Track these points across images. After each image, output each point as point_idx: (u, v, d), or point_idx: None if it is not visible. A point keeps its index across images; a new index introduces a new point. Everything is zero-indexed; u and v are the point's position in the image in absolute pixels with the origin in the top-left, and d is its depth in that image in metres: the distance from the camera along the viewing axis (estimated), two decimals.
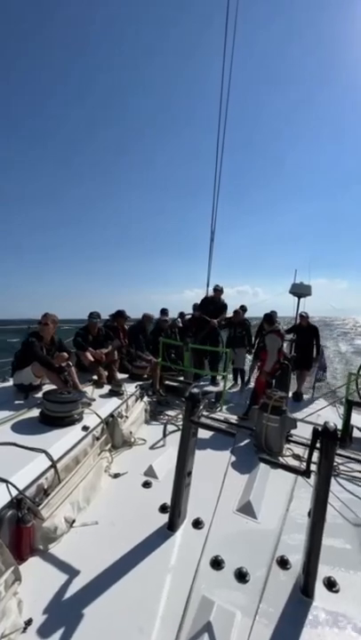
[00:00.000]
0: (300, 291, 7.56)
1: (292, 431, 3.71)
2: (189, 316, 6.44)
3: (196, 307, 6.25)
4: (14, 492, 1.84)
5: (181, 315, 6.89)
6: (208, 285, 6.02)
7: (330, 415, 4.79)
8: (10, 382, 3.60)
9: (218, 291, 5.70)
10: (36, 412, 2.87)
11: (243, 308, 6.28)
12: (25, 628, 1.48)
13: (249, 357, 6.38)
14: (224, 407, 4.77)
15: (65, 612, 1.58)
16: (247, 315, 6.42)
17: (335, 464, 3.14)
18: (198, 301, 6.03)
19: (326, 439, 1.67)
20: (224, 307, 5.78)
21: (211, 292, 5.89)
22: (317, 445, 1.70)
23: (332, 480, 2.87)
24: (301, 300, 7.82)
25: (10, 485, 1.85)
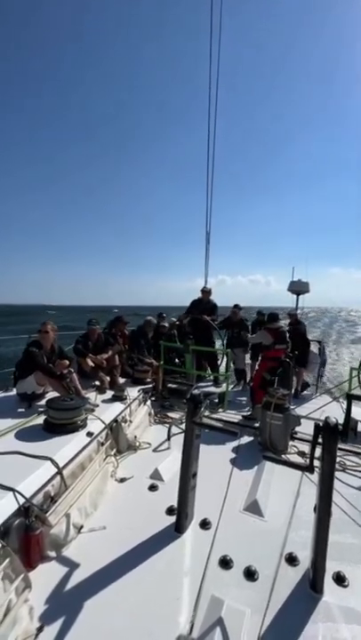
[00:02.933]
0: (298, 288, 7.61)
1: (298, 428, 3.72)
2: (176, 321, 6.44)
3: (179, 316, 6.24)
4: (22, 501, 1.86)
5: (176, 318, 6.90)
6: (206, 282, 6.06)
7: (334, 411, 4.80)
8: (13, 392, 3.62)
9: (206, 292, 5.65)
10: (39, 420, 2.89)
11: (238, 307, 6.24)
12: (37, 635, 1.49)
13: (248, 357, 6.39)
14: (227, 407, 4.78)
15: (75, 617, 1.59)
16: (261, 305, 6.41)
17: (340, 459, 3.14)
18: (215, 293, 5.96)
19: (328, 434, 1.68)
20: (214, 307, 5.69)
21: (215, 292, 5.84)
22: (320, 441, 1.72)
23: (339, 475, 2.89)
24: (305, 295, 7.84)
25: (17, 494, 1.86)
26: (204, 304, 5.58)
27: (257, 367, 5.04)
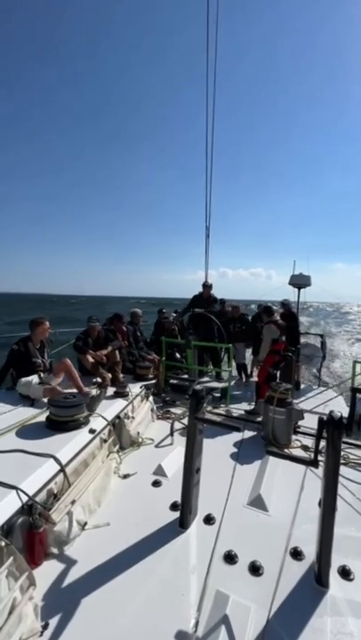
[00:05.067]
0: (299, 282, 7.55)
1: (301, 422, 3.71)
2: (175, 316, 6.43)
3: (178, 310, 6.23)
4: (25, 499, 1.85)
5: (176, 312, 6.90)
6: (206, 277, 6.02)
7: (338, 405, 4.79)
8: (15, 388, 3.61)
9: (207, 287, 5.64)
10: (42, 418, 2.88)
11: (222, 301, 6.22)
12: (42, 633, 1.49)
13: (249, 352, 6.38)
14: (230, 402, 4.77)
15: (80, 614, 1.59)
16: (265, 299, 6.37)
17: (344, 453, 3.13)
18: (216, 286, 5.95)
19: (332, 428, 1.67)
20: (214, 300, 5.73)
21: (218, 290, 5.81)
22: (324, 435, 1.70)
23: (343, 469, 2.88)
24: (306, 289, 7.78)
25: (20, 492, 1.85)
26: (205, 299, 5.56)
27: (259, 361, 5.02)
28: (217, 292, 5.75)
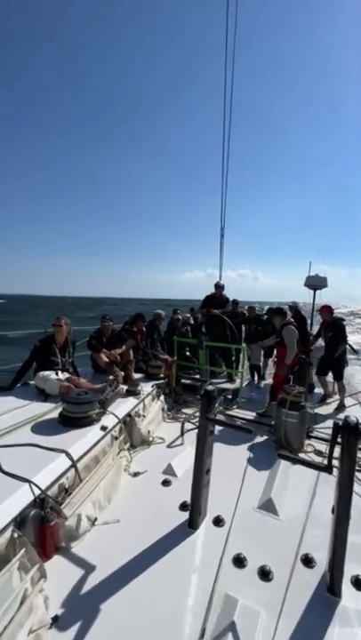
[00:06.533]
0: (315, 283, 7.39)
1: (315, 427, 3.63)
2: (191, 316, 6.40)
3: (194, 309, 6.19)
4: (37, 492, 1.88)
5: (192, 310, 6.88)
6: (220, 278, 6.01)
7: (354, 411, 4.66)
8: (31, 383, 3.69)
9: (219, 287, 5.60)
10: (55, 414, 2.93)
11: (234, 302, 6.14)
12: (52, 624, 1.51)
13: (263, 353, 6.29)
14: (242, 404, 4.73)
15: (89, 608, 1.60)
16: (250, 299, 6.30)
17: (359, 459, 3.05)
18: (204, 286, 5.98)
19: (348, 433, 1.62)
20: (226, 301, 5.70)
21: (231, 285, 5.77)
22: (339, 440, 1.66)
23: (357, 475, 2.79)
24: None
25: (33, 485, 1.89)
26: (217, 299, 5.54)
27: (272, 364, 4.95)
28: (206, 292, 5.73)
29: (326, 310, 4.97)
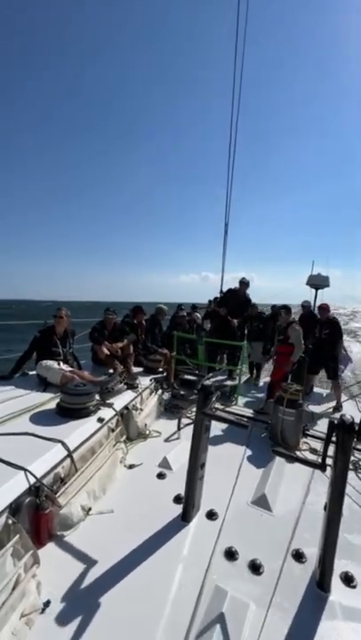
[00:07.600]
0: (317, 282, 7.37)
1: (311, 425, 3.64)
2: (203, 310, 6.37)
3: (214, 301, 6.07)
4: (32, 480, 1.90)
5: (194, 307, 6.86)
6: (222, 276, 5.98)
7: (350, 409, 4.68)
8: (32, 373, 3.72)
9: (244, 284, 5.36)
10: (53, 404, 2.95)
11: (252, 305, 6.03)
12: (43, 609, 1.54)
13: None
14: (240, 400, 4.74)
15: (81, 595, 1.63)
16: (275, 301, 6.22)
17: (353, 458, 3.06)
18: (199, 289, 5.93)
19: (343, 432, 1.63)
20: (247, 302, 5.51)
21: (236, 285, 5.70)
22: (334, 439, 1.66)
23: (351, 474, 2.81)
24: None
25: (28, 473, 1.91)
26: (239, 296, 5.36)
27: (271, 362, 4.95)
28: (201, 295, 5.65)
29: (325, 309, 5.01)
